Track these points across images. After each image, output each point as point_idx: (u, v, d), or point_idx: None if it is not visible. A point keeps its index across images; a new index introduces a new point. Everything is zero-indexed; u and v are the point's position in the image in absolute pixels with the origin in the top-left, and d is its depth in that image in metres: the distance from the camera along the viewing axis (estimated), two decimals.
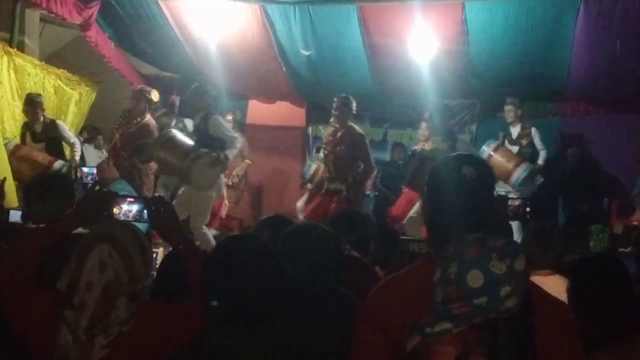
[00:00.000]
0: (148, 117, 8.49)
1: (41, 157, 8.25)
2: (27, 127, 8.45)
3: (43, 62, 9.48)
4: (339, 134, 8.12)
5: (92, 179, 7.77)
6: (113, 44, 9.91)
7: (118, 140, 8.49)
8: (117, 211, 2.86)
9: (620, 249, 8.22)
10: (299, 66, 9.97)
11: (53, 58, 10.27)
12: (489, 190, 2.20)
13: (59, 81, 9.62)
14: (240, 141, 8.22)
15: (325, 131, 8.50)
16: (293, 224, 2.92)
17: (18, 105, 8.68)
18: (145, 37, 10.03)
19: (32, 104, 8.29)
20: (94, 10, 8.98)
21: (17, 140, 8.45)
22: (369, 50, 9.40)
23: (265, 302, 2.49)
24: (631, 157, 9.73)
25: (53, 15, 8.70)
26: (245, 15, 9.22)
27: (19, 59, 8.76)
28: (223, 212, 8.95)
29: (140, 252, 2.50)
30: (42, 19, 9.79)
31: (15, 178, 7.59)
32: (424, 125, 9.37)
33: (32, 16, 9.54)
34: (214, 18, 9.16)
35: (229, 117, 10.08)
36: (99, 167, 8.53)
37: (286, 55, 9.82)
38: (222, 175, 8.02)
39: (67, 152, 8.75)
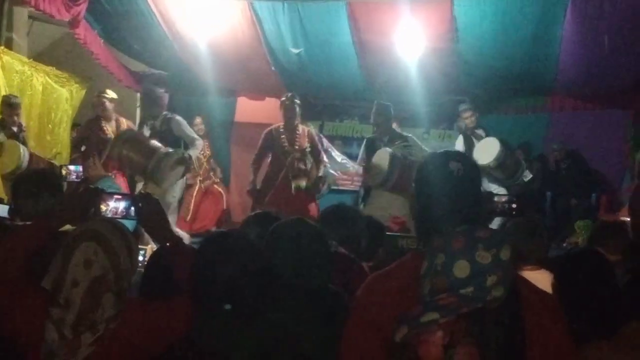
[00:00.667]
0: (121, 119, 8.61)
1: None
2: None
3: (31, 60, 9.44)
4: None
5: (77, 177, 7.75)
6: (102, 41, 9.87)
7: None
8: (104, 208, 2.86)
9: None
10: (287, 63, 9.95)
11: (42, 56, 10.23)
12: (476, 185, 2.23)
13: (47, 79, 9.56)
14: (200, 142, 8.33)
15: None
16: (280, 220, 2.92)
17: None
18: (134, 34, 9.99)
19: (10, 107, 8.24)
20: (82, 7, 8.91)
21: None
22: (358, 47, 9.39)
23: (254, 298, 2.49)
24: (620, 152, 9.79)
25: (41, 12, 8.64)
26: (234, 12, 9.19)
27: (7, 57, 8.69)
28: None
29: (126, 249, 2.49)
30: (31, 17, 9.75)
31: None
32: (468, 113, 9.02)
33: (20, 13, 9.50)
34: (202, 15, 9.13)
35: (199, 120, 10.09)
36: (85, 165, 8.50)
37: (275, 52, 9.79)
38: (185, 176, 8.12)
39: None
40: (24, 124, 8.42)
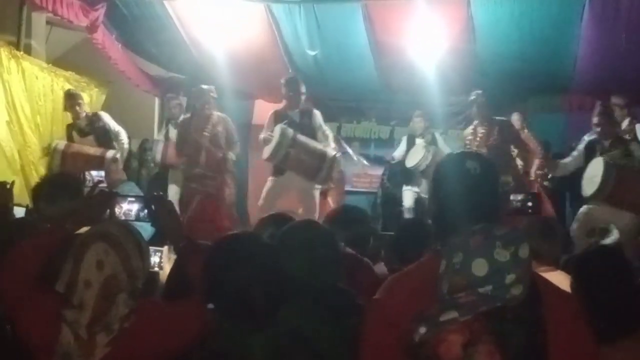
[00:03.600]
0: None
1: (92, 150, 8.35)
2: (72, 126, 8.54)
3: (50, 65, 9.51)
4: None
5: (99, 182, 7.80)
6: (120, 45, 9.93)
7: None
8: (118, 211, 2.89)
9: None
10: (304, 65, 9.97)
11: (60, 61, 10.30)
12: (494, 184, 2.22)
13: (67, 84, 9.64)
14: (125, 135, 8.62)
15: None
16: (292, 222, 2.93)
17: (27, 108, 8.70)
18: (151, 38, 10.06)
19: (71, 98, 8.39)
20: (100, 12, 8.99)
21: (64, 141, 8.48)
22: (375, 48, 9.40)
23: (267, 299, 2.50)
24: None
25: (59, 18, 8.72)
26: (251, 15, 9.24)
27: (27, 63, 8.78)
28: None
29: (136, 248, 2.51)
30: (49, 22, 9.83)
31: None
32: (418, 119, 9.40)
33: (39, 19, 9.57)
34: (219, 18, 9.17)
35: None
36: (107, 169, 8.55)
37: (291, 54, 9.83)
38: None
39: None
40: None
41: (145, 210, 2.88)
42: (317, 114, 8.07)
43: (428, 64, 9.08)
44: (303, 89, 7.93)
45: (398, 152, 9.64)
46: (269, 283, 2.49)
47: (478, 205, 2.10)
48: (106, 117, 8.67)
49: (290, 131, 7.53)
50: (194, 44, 9.90)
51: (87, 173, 8.20)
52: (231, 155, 8.24)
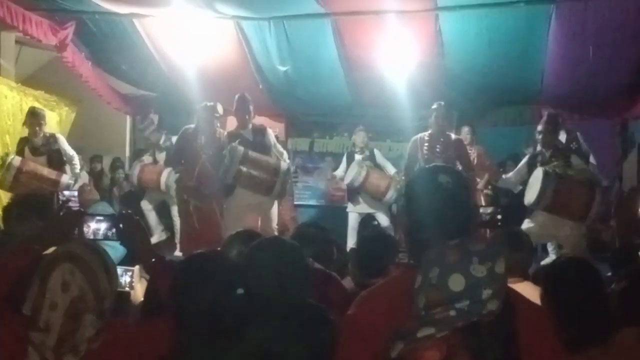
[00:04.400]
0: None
1: (46, 171, 8.20)
2: (25, 142, 8.34)
3: (20, 84, 9.44)
4: None
5: (73, 202, 7.74)
6: (90, 63, 9.88)
7: None
8: (86, 230, 2.86)
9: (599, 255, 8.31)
10: (275, 80, 10.00)
11: (30, 80, 10.24)
12: (466, 198, 2.23)
13: (37, 103, 9.57)
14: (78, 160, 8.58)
15: None
16: (259, 238, 2.92)
17: None
18: (121, 55, 10.03)
19: (34, 116, 8.22)
20: (69, 30, 8.94)
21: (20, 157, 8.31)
22: (345, 63, 9.45)
23: (235, 318, 2.48)
24: (610, 162, 9.82)
25: (29, 37, 8.67)
26: (220, 31, 9.24)
27: None
28: None
29: (103, 268, 2.49)
30: (18, 42, 9.78)
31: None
32: (360, 133, 9.50)
33: (8, 38, 9.54)
34: (189, 35, 9.17)
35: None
36: (79, 189, 8.49)
37: (262, 70, 9.85)
38: None
39: None
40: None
41: (114, 229, 2.86)
42: (270, 132, 8.19)
43: (398, 78, 9.12)
44: (251, 107, 7.99)
45: (339, 170, 9.71)
46: (237, 301, 2.48)
47: (451, 219, 2.11)
48: (62, 140, 8.56)
49: (241, 148, 7.58)
50: (164, 60, 9.88)
51: (60, 193, 8.12)
52: None
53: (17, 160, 8.05)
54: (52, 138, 8.42)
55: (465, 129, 9.29)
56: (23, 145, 8.35)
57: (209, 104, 8.30)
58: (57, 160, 8.36)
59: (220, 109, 8.43)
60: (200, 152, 8.05)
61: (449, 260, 1.85)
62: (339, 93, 9.99)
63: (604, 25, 8.10)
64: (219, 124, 8.53)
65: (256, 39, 9.33)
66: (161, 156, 9.40)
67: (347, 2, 8.55)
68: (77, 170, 8.55)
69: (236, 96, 8.07)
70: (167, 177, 9.07)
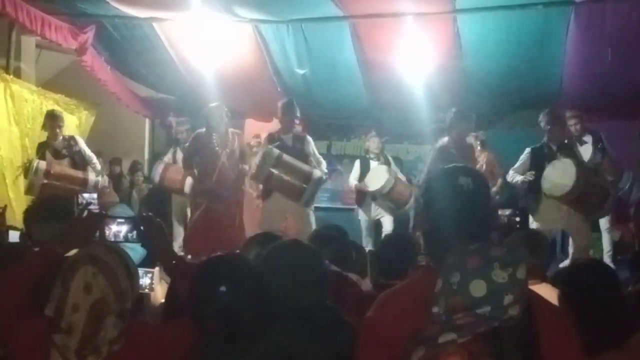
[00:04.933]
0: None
1: (73, 172, 8.25)
2: (46, 146, 8.35)
3: (40, 88, 9.52)
4: None
5: (88, 204, 7.77)
6: (109, 67, 9.96)
7: None
8: (107, 232, 2.89)
9: (619, 257, 8.27)
10: (293, 84, 10.02)
11: (50, 83, 10.32)
12: (486, 200, 2.21)
13: (57, 106, 9.63)
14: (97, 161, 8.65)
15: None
16: (278, 241, 2.93)
17: (15, 131, 8.71)
18: (140, 59, 10.10)
19: (53, 118, 8.26)
20: (89, 34, 9.03)
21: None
22: (363, 66, 9.46)
23: (253, 320, 2.49)
24: (630, 164, 9.73)
25: (48, 41, 8.75)
26: (239, 35, 9.28)
27: (16, 86, 8.79)
28: None
29: (124, 270, 2.51)
30: (38, 45, 9.86)
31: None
32: (374, 139, 9.52)
33: (28, 42, 9.61)
34: (208, 38, 9.22)
35: None
36: (99, 192, 8.54)
37: (280, 73, 9.88)
38: None
39: None
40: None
41: (135, 232, 2.89)
42: (310, 141, 8.15)
43: (416, 81, 9.12)
44: (298, 113, 7.98)
45: (352, 176, 9.63)
46: (255, 304, 2.49)
47: (471, 222, 2.09)
48: (81, 142, 8.61)
49: (276, 151, 7.56)
50: (183, 64, 9.94)
51: (80, 196, 8.16)
52: (245, 170, 8.21)
53: (42, 164, 8.06)
54: (72, 140, 8.46)
55: (471, 139, 9.22)
56: (44, 149, 8.34)
57: (214, 104, 8.28)
58: (80, 162, 8.39)
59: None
60: (219, 153, 8.02)
61: (470, 265, 1.85)
62: (356, 96, 9.99)
63: (622, 27, 8.06)
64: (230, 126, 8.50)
65: (274, 42, 9.36)
66: (181, 156, 9.40)
67: (365, 4, 8.56)
68: (99, 168, 8.62)
69: (283, 101, 8.09)
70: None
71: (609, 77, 8.79)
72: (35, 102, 9.24)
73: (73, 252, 2.71)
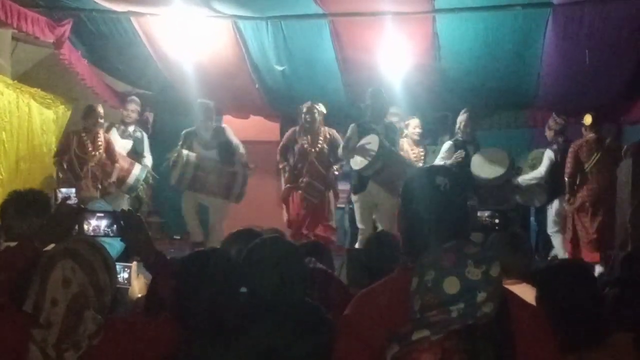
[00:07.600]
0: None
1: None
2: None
3: (16, 82, 9.40)
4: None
5: (66, 198, 7.69)
6: (86, 61, 9.87)
7: None
8: (86, 227, 2.86)
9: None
10: (272, 81, 10.01)
11: (26, 77, 10.19)
12: (463, 200, 2.24)
13: (33, 100, 9.53)
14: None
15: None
16: (259, 238, 2.94)
17: None
18: (118, 54, 10.01)
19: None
20: (66, 28, 8.92)
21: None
22: (342, 64, 9.47)
23: (235, 317, 2.49)
24: None
25: (25, 34, 8.64)
26: (218, 31, 9.24)
27: None
28: None
29: (103, 265, 2.50)
30: (14, 38, 9.73)
31: None
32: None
33: (4, 35, 9.47)
34: (186, 34, 9.17)
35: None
36: (77, 186, 8.46)
37: (259, 70, 9.85)
38: None
39: None
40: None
41: (114, 226, 2.87)
42: (397, 130, 8.48)
43: (394, 80, 9.13)
44: (388, 101, 8.31)
45: None
46: (237, 300, 2.49)
47: (448, 221, 2.12)
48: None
49: (387, 143, 7.78)
50: (161, 60, 9.88)
51: (57, 190, 8.09)
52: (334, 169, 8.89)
53: (192, 155, 8.65)
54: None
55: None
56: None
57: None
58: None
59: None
60: (309, 150, 8.67)
61: (445, 263, 1.87)
62: (335, 94, 9.98)
63: (600, 28, 8.13)
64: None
65: (253, 38, 9.33)
66: (124, 143, 9.39)
67: (344, 3, 8.58)
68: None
69: (373, 88, 8.37)
70: (139, 172, 9.16)
71: (587, 78, 8.88)
72: (11, 95, 9.11)
73: (51, 246, 2.69)
